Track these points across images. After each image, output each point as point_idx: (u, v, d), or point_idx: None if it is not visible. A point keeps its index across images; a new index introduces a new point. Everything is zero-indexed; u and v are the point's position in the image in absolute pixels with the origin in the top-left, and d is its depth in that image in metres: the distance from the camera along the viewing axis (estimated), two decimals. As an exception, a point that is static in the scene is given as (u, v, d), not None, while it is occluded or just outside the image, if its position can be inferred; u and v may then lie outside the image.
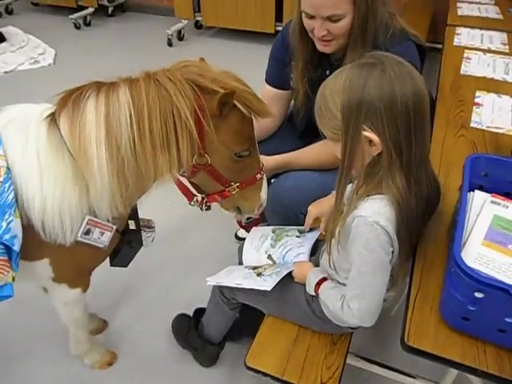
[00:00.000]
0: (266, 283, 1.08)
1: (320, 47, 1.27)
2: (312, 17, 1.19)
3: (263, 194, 1.19)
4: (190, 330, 1.48)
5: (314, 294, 1.06)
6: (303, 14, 1.22)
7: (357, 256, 0.89)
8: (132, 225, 1.22)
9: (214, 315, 1.38)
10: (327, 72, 1.34)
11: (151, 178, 0.99)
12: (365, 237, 0.87)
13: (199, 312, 1.48)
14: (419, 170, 0.89)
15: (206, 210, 1.18)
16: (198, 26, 4.22)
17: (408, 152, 0.85)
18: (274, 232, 1.32)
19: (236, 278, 1.16)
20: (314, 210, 1.26)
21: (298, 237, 1.29)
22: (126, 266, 1.26)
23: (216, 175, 1.07)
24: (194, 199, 1.17)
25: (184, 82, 0.94)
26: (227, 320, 1.37)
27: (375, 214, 0.86)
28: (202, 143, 0.99)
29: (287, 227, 1.34)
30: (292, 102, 1.49)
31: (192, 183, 1.17)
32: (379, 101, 0.82)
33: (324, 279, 1.05)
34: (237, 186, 1.11)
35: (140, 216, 1.26)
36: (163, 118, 0.92)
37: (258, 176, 1.14)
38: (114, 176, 0.93)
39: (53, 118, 0.95)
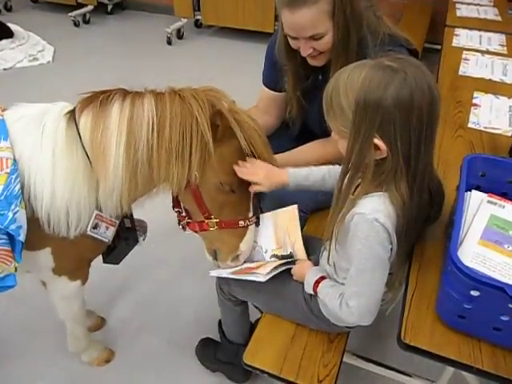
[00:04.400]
0: (262, 275, 1.08)
1: (310, 61, 1.28)
2: (295, 38, 1.20)
3: (243, 245, 1.13)
4: (217, 348, 1.45)
5: (312, 292, 1.05)
6: (288, 36, 1.23)
7: (356, 254, 0.89)
8: (127, 223, 1.24)
9: (226, 316, 1.36)
10: (320, 77, 1.35)
11: (159, 184, 1.03)
12: (364, 234, 0.87)
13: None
14: (423, 179, 0.89)
15: (182, 228, 1.17)
16: (197, 24, 4.22)
17: (415, 162, 0.85)
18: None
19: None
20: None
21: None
22: (117, 263, 1.28)
23: (198, 199, 1.07)
24: (180, 210, 1.15)
25: (206, 102, 0.98)
26: (238, 317, 1.33)
27: (374, 210, 0.86)
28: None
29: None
30: (287, 113, 1.47)
31: (178, 201, 1.15)
32: (395, 108, 0.80)
33: (323, 278, 1.04)
34: (216, 223, 1.10)
35: (134, 216, 1.27)
36: (182, 130, 0.96)
37: (241, 223, 1.11)
38: (126, 176, 0.97)
39: (72, 115, 0.98)
